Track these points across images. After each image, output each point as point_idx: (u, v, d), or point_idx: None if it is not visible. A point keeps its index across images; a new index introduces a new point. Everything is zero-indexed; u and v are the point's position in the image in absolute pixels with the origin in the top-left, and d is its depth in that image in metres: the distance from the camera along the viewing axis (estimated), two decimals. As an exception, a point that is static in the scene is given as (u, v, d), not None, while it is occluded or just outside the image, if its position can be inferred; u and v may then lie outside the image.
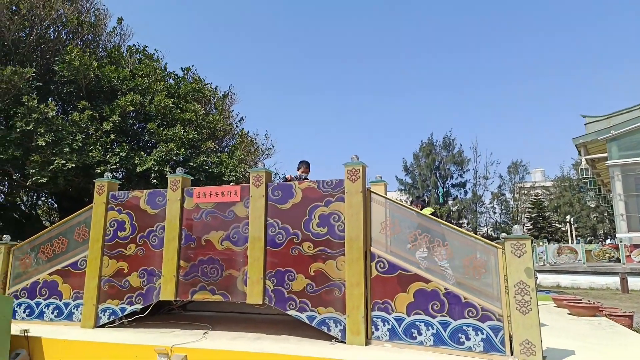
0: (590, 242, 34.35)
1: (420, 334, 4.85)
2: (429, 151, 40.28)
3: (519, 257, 4.60)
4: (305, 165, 6.91)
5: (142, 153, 11.34)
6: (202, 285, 5.79)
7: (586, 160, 25.11)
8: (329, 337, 5.19)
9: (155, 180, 11.15)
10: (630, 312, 7.58)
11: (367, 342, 5.01)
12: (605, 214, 38.56)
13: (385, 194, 7.50)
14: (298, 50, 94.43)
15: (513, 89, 79.84)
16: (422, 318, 4.89)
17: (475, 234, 39.65)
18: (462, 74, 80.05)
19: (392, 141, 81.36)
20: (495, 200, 42.92)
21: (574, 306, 7.26)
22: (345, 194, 5.48)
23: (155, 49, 14.83)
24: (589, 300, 8.09)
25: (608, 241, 24.49)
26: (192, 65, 15.17)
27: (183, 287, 5.88)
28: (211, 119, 13.25)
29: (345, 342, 5.03)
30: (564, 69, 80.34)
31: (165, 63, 14.96)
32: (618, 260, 17.70)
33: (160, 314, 7.09)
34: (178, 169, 6.51)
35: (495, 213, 43.41)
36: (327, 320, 5.21)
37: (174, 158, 11.42)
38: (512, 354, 4.36)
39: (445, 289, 4.89)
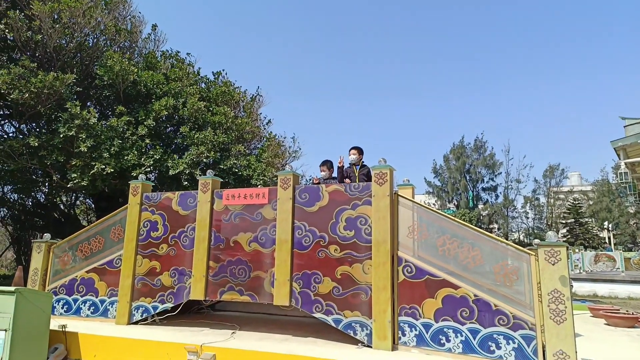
0: (629, 250, 32.65)
1: (448, 340, 4.77)
2: (459, 154, 39.55)
3: (554, 264, 4.45)
4: (326, 165, 6.87)
5: (175, 156, 11.68)
6: (230, 286, 5.91)
7: (625, 163, 23.94)
8: (355, 341, 5.18)
9: (186, 182, 11.45)
10: (674, 325, 7.17)
11: (394, 347, 4.97)
12: (647, 221, 36.64)
13: (413, 197, 7.43)
14: (327, 55, 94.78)
15: (550, 90, 77.15)
16: (451, 324, 4.81)
17: (507, 239, 38.68)
18: (496, 75, 78.11)
19: (423, 144, 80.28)
20: (528, 204, 41.57)
21: (611, 316, 6.94)
22: (373, 197, 5.46)
23: (188, 53, 15.29)
24: (627, 311, 7.71)
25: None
26: (223, 70, 15.54)
27: (212, 287, 6.01)
28: (240, 121, 13.49)
29: (371, 347, 5.00)
30: (603, 68, 76.95)
31: (199, 68, 15.39)
32: (661, 269, 16.80)
33: (189, 313, 7.27)
34: (208, 171, 6.68)
35: (528, 218, 42.10)
36: (353, 324, 5.20)
37: (204, 160, 11.70)
38: (545, 365, 4.22)
39: (475, 295, 4.79)
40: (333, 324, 5.30)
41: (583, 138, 74.42)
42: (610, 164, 39.64)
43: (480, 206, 39.83)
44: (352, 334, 5.17)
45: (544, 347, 4.30)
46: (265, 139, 15.43)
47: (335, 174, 6.85)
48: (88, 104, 12.79)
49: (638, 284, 16.67)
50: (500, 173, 39.54)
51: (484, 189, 40.30)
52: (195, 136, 11.85)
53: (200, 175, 9.57)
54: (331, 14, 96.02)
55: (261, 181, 12.69)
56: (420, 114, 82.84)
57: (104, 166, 10.24)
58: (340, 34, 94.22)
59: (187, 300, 6.20)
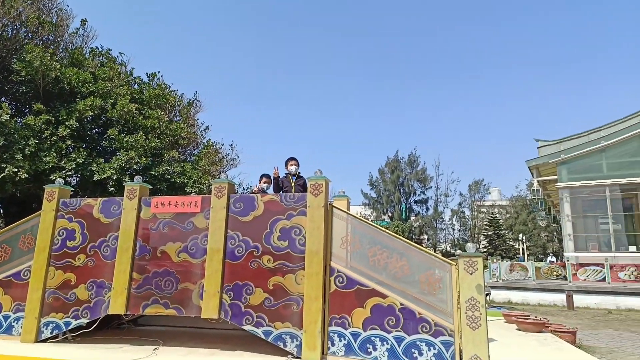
0: (540, 260, 36.01)
1: (375, 349, 4.90)
2: (394, 167, 41.21)
3: (471, 274, 4.78)
4: (266, 177, 6.88)
5: (101, 160, 10.93)
6: (155, 299, 5.60)
7: (538, 181, 26.50)
8: (284, 353, 5.14)
9: (113, 189, 10.73)
10: (574, 328, 7.99)
11: (323, 357, 5.01)
12: (555, 234, 40.66)
13: (348, 208, 7.61)
14: (269, 62, 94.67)
15: (476, 110, 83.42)
16: (378, 333, 4.95)
17: (435, 250, 40.72)
18: (430, 94, 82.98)
19: (360, 156, 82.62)
20: (455, 217, 44.34)
21: (522, 322, 7.58)
22: (308, 208, 5.52)
23: (120, 52, 14.45)
24: (536, 317, 8.46)
25: (549, 259, 25.74)
26: (159, 72, 14.86)
27: (135, 300, 5.66)
28: (175, 126, 12.98)
29: (300, 358, 5.00)
30: (522, 94, 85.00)
31: (132, 68, 14.59)
32: (565, 278, 18.64)
33: (108, 329, 6.76)
34: (136, 177, 6.33)
35: (454, 230, 44.84)
36: (283, 336, 5.16)
37: (135, 166, 11.06)
38: (462, 370, 4.49)
39: (401, 304, 4.99)
40: (263, 337, 5.23)
41: (504, 157, 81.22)
42: (525, 181, 43.62)
43: (413, 218, 41.73)
44: (282, 346, 5.13)
45: (461, 352, 4.58)
46: (202, 145, 14.97)
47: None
48: (2, 99, 11.58)
49: (546, 292, 18.35)
50: (431, 187, 41.85)
51: (416, 202, 42.32)
52: (125, 140, 11.19)
53: (128, 181, 9.04)
54: (282, 21, 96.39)
55: (197, 189, 12.25)
56: (360, 127, 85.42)
57: (16, 169, 9.28)
58: (289, 42, 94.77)
59: (105, 315, 5.77)
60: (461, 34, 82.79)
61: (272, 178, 6.79)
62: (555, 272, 19.23)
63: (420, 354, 4.72)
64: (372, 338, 4.95)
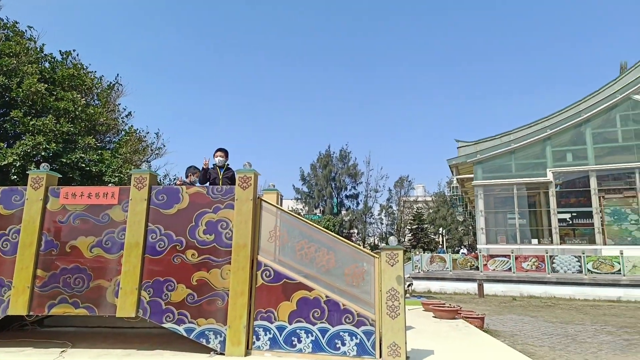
0: (457, 252, 38.97)
1: (300, 341, 4.96)
2: (326, 162, 41.81)
3: (392, 265, 5.01)
4: (192, 170, 6.55)
5: (2, 144, 9.74)
6: (63, 298, 5.14)
7: (457, 179, 28.54)
8: (208, 350, 5.01)
9: (16, 177, 9.63)
10: (482, 314, 8.74)
11: (248, 352, 4.96)
12: (470, 227, 44.16)
13: (278, 202, 7.57)
14: (201, 50, 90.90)
15: (405, 108, 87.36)
16: (303, 326, 5.01)
17: (364, 243, 42.04)
18: (363, 91, 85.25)
19: (293, 150, 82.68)
20: (383, 212, 46.27)
21: (438, 310, 8.14)
22: (235, 201, 5.39)
23: (29, 26, 12.92)
24: (450, 305, 9.13)
25: (461, 251, 27.98)
26: (74, 50, 13.53)
27: (39, 299, 5.15)
28: (92, 111, 11.94)
29: (224, 354, 4.90)
30: (444, 97, 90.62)
31: (43, 44, 13.13)
32: (477, 268, 20.35)
33: (8, 331, 6.09)
34: (42, 164, 5.74)
35: (382, 224, 46.78)
36: (206, 332, 5.02)
37: (43, 153, 10.01)
38: (380, 356, 4.70)
39: (327, 296, 5.09)
40: (185, 334, 5.04)
41: (428, 155, 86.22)
42: (447, 179, 46.78)
43: (343, 212, 42.78)
44: (204, 343, 4.99)
45: (381, 340, 4.79)
46: (123, 132, 13.96)
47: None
48: None
49: (461, 281, 19.89)
50: (362, 182, 43.18)
51: (347, 197, 43.41)
52: (31, 123, 10.07)
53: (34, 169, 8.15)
54: (223, 8, 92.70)
55: (117, 179, 11.41)
56: (295, 121, 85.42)
57: None
58: (221, 34, 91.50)
59: (3, 316, 5.18)
60: (390, 30, 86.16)
61: (201, 170, 6.53)
62: (469, 263, 20.88)
63: (343, 344, 4.86)
64: (298, 331, 5.00)
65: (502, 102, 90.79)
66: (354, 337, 4.87)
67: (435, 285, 20.11)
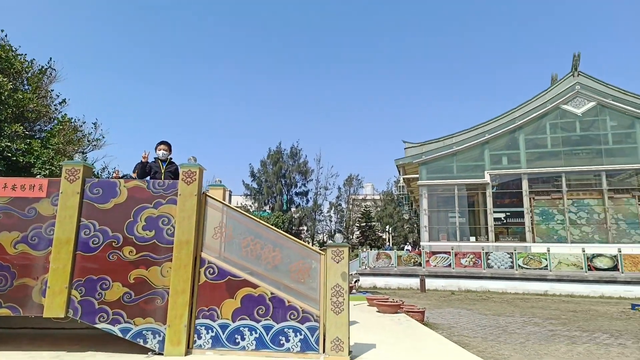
0: (402, 249, 40.40)
1: (243, 339, 4.88)
2: (276, 159, 41.55)
3: (338, 262, 5.07)
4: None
5: None
6: (-19, 298, 4.69)
7: (404, 179, 29.52)
8: (145, 350, 4.79)
9: None
10: (422, 308, 9.13)
11: (188, 351, 4.80)
12: (415, 225, 45.91)
13: (225, 198, 7.41)
14: (147, 43, 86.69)
15: (358, 109, 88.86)
16: (247, 323, 4.94)
17: (313, 240, 42.23)
18: (317, 89, 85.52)
19: (243, 147, 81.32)
20: (333, 209, 46.84)
21: (381, 305, 8.38)
22: (179, 196, 5.20)
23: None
24: (393, 299, 9.44)
25: (405, 248, 29.10)
26: (2, 31, 12.34)
27: (-49, 301, 4.66)
28: (21, 96, 10.98)
29: (163, 354, 4.71)
30: (393, 97, 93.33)
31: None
32: (420, 264, 21.20)
33: None
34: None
35: (331, 221, 47.35)
36: (144, 332, 4.80)
37: (-39, 140, 9.07)
38: (324, 351, 4.75)
39: (272, 293, 5.05)
40: (120, 334, 4.79)
41: (378, 155, 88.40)
42: (394, 178, 48.22)
43: (293, 209, 42.78)
44: (142, 343, 4.77)
45: (325, 335, 4.84)
46: (56, 121, 12.96)
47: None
48: None
49: (405, 277, 20.63)
50: (312, 180, 43.41)
51: (297, 194, 43.45)
52: (-52, 106, 9.09)
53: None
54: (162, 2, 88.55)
55: (47, 171, 10.60)
56: (246, 117, 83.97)
57: None
58: (168, 23, 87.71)
59: None
60: (341, 29, 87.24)
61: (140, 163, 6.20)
62: (413, 260, 21.70)
63: (288, 340, 4.85)
64: (241, 328, 4.92)
65: (450, 105, 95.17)
66: (298, 333, 4.87)
67: (380, 281, 20.69)
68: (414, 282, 19.88)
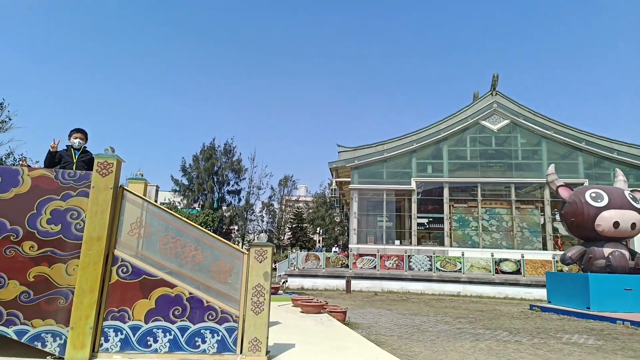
0: (331, 251, 41.19)
1: (156, 341, 4.67)
2: (209, 155, 40.30)
3: (261, 262, 5.05)
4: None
5: None
6: None
7: (336, 182, 30.15)
8: (43, 354, 4.39)
9: None
10: (345, 309, 9.38)
11: (93, 355, 4.48)
12: (345, 228, 47.08)
13: (145, 193, 7.06)
14: (67, 21, 79.75)
15: (295, 112, 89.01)
16: (161, 324, 4.73)
17: (243, 240, 41.54)
18: (255, 86, 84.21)
19: (174, 139, 77.74)
20: (265, 209, 46.50)
21: (304, 305, 8.49)
22: (92, 188, 4.84)
23: None
24: (318, 300, 9.60)
25: (333, 249, 29.80)
26: None
27: None
28: None
29: (63, 358, 4.35)
30: (329, 107, 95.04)
31: None
32: (347, 266, 21.81)
33: None
34: None
35: (263, 221, 46.94)
36: (43, 335, 4.40)
37: None
38: (241, 352, 4.70)
39: (190, 293, 4.89)
40: (15, 337, 4.34)
41: (313, 157, 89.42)
42: (328, 180, 49.04)
43: (224, 208, 41.76)
44: (39, 347, 4.37)
45: (243, 336, 4.79)
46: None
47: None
48: None
49: (332, 278, 21.10)
50: (245, 178, 42.73)
51: (229, 192, 42.49)
52: None
53: None
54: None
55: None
56: (179, 110, 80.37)
57: None
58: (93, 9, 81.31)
59: None
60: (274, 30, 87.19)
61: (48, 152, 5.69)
62: (340, 261, 22.24)
63: (204, 342, 4.73)
64: (155, 330, 4.70)
65: (383, 113, 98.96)
66: (215, 334, 4.77)
67: (308, 282, 20.94)
68: (341, 283, 20.40)
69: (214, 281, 5.17)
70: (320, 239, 43.53)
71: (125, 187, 5.27)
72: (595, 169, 24.82)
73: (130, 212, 5.18)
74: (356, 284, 20.34)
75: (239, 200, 42.95)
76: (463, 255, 21.35)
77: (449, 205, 25.84)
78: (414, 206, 26.03)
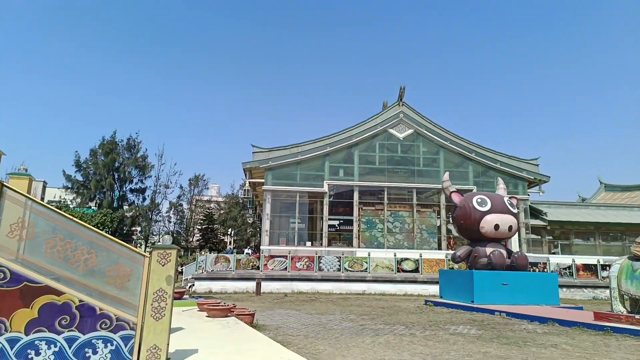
0: (242, 253, 40.53)
1: (38, 354, 4.22)
2: (109, 149, 36.99)
3: (164, 265, 4.84)
4: None
5: None
6: None
7: (249, 182, 29.80)
8: None
9: None
10: (253, 311, 9.34)
11: (-45, 376, 3.90)
12: (258, 229, 46.64)
13: (30, 190, 6.34)
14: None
15: (209, 110, 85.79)
16: (45, 336, 4.28)
17: (147, 242, 38.90)
18: (164, 79, 79.36)
19: (66, 130, 70.04)
20: (173, 209, 44.03)
21: (211, 309, 8.29)
22: (-40, 184, 4.21)
23: None
24: (225, 303, 9.42)
25: (245, 251, 29.47)
26: None
27: None
28: None
29: None
30: (238, 101, 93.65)
31: None
32: (258, 268, 21.65)
33: None
34: None
35: (170, 222, 44.40)
36: None
37: None
38: (138, 361, 4.45)
39: (80, 300, 4.50)
40: None
41: (227, 157, 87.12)
42: (241, 181, 48.15)
43: (126, 207, 38.66)
44: None
45: (140, 344, 4.54)
46: None
47: None
48: None
49: (243, 280, 20.75)
50: (151, 176, 40.04)
51: (132, 190, 39.44)
52: None
53: None
54: None
55: None
56: (74, 99, 72.59)
57: None
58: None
59: None
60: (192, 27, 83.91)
61: None
62: (251, 263, 21.99)
63: (95, 352, 4.38)
64: (37, 342, 4.24)
65: (299, 116, 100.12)
66: (109, 344, 4.45)
67: (217, 285, 20.34)
68: (251, 285, 20.18)
69: (110, 287, 4.82)
70: (232, 240, 42.51)
71: (4, 183, 4.69)
72: (482, 177, 27.97)
73: (10, 211, 4.62)
74: (267, 286, 20.29)
75: (144, 199, 40.11)
76: (369, 255, 22.51)
77: (359, 208, 27.08)
78: (326, 208, 26.79)
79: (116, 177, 37.58)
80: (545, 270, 22.26)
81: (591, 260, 24.47)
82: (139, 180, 39.34)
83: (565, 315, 10.96)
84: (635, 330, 8.58)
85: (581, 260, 24.28)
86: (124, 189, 38.61)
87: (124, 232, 35.40)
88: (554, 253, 28.68)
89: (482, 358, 6.28)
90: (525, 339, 8.11)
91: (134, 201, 39.29)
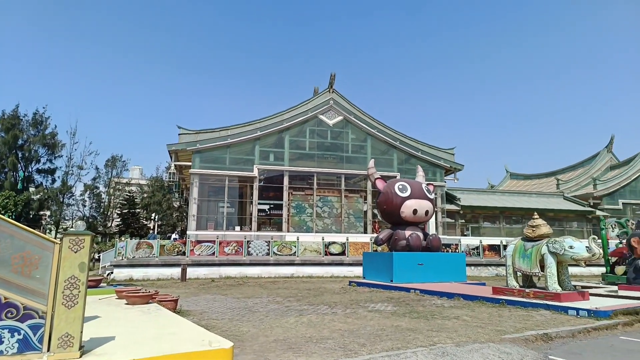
0: (168, 238, 38.96)
1: None
2: (11, 125, 33.12)
3: (76, 252, 4.62)
4: None
5: None
6: None
7: (175, 165, 28.61)
8: None
9: None
10: (176, 297, 9.17)
11: None
12: (184, 214, 45.04)
13: None
14: None
15: (133, 83, 79.81)
16: (-63, 331, 3.92)
17: (58, 227, 35.88)
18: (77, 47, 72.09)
19: (-41, 101, 61.25)
20: (88, 192, 40.81)
21: (130, 296, 8.01)
22: None
23: None
24: (146, 290, 9.14)
25: (172, 236, 28.49)
26: None
27: None
28: None
29: None
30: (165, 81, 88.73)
31: None
32: (184, 253, 21.06)
33: None
34: None
35: (85, 206, 41.18)
36: None
37: None
38: (49, 350, 4.26)
39: (-19, 290, 4.17)
40: None
41: (151, 137, 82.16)
42: (166, 164, 45.91)
43: (32, 189, 35.08)
44: None
45: (51, 332, 4.34)
46: None
47: None
48: None
49: (167, 267, 20.07)
50: (62, 156, 36.66)
51: (39, 171, 35.87)
52: None
53: None
54: None
55: None
56: (-35, 63, 63.36)
57: None
58: None
59: None
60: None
61: None
62: (177, 249, 21.33)
63: (1, 342, 4.12)
64: None
65: (227, 98, 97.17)
66: (16, 333, 4.19)
67: (138, 273, 19.48)
68: (176, 271, 19.61)
69: (15, 275, 4.50)
70: (156, 225, 40.52)
71: None
72: (405, 164, 29.64)
73: None
74: (193, 272, 19.86)
75: (53, 181, 36.72)
76: (298, 239, 22.94)
77: (288, 193, 27.34)
78: (256, 193, 26.67)
79: (20, 156, 33.89)
80: (457, 250, 24.41)
81: (496, 241, 27.30)
82: (47, 160, 35.89)
83: (469, 291, 12.24)
84: (525, 302, 9.88)
85: (487, 241, 26.98)
86: (30, 169, 34.99)
87: (30, 216, 32.23)
88: (465, 235, 31.49)
89: (394, 331, 6.87)
90: (433, 312, 8.98)
91: (41, 183, 35.82)
